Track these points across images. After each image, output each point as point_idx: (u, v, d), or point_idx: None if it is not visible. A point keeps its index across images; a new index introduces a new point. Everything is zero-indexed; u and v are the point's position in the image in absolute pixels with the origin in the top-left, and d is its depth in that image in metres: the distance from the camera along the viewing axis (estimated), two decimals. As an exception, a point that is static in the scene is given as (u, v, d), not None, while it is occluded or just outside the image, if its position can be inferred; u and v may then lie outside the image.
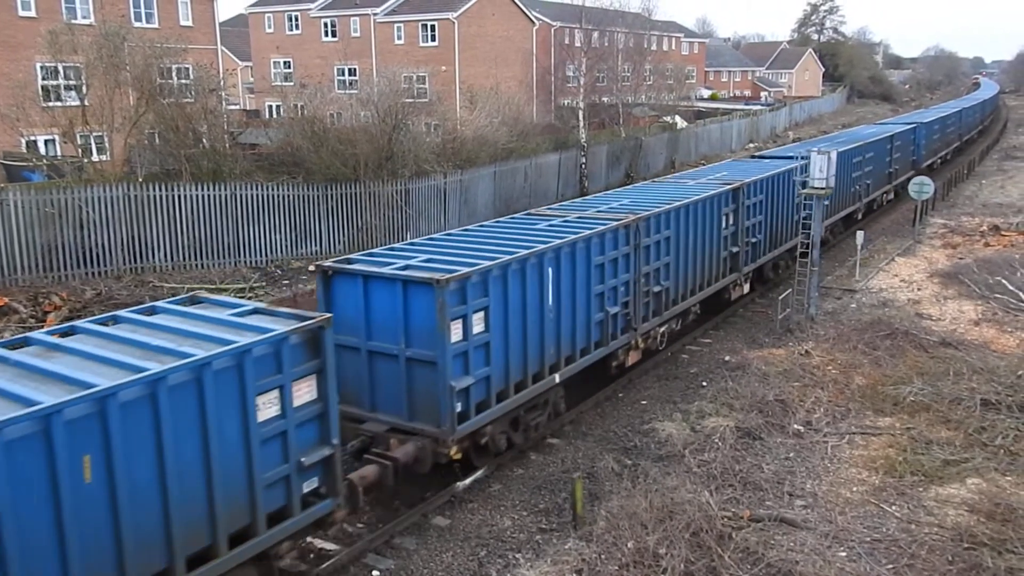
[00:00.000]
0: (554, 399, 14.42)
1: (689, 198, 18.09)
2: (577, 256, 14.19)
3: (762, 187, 21.38)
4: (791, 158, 25.11)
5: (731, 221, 19.89)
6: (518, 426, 13.55)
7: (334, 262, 12.64)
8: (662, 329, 17.42)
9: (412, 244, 14.42)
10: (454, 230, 16.06)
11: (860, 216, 30.56)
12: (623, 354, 16.17)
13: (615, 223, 15.32)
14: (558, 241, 13.88)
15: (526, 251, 13.12)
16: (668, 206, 17.10)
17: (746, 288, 21.50)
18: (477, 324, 12.07)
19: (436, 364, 11.54)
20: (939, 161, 45.46)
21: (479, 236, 14.85)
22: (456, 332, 11.69)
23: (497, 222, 16.81)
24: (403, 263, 12.40)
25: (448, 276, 11.47)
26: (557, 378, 14.03)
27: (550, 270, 13.55)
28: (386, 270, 12.05)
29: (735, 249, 20.21)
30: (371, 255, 13.34)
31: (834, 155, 19.96)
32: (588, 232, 14.56)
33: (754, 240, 21.24)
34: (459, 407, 11.84)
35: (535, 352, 13.46)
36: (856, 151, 28.74)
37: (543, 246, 13.49)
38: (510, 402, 12.93)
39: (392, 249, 13.92)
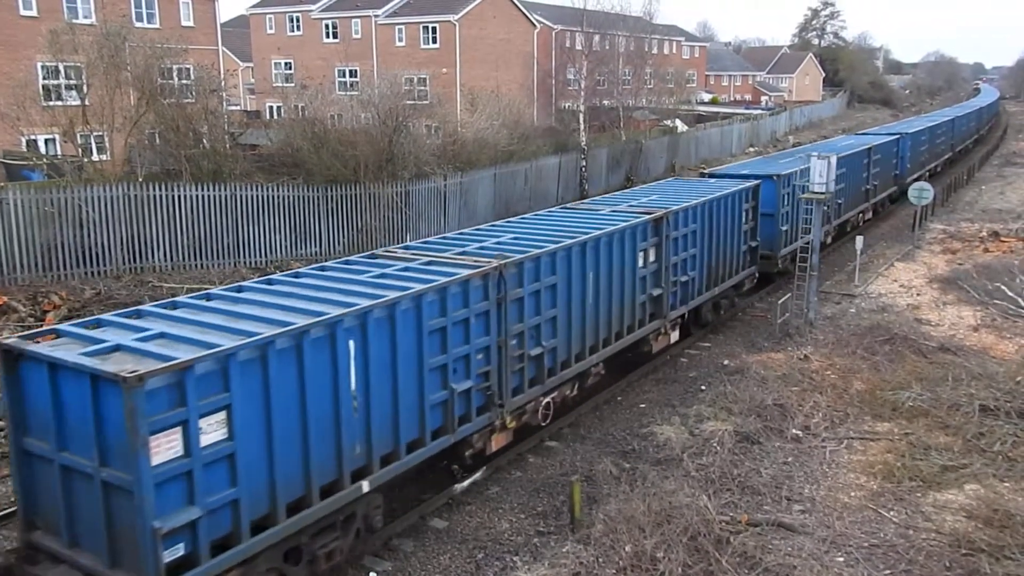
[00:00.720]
0: (364, 512, 10.82)
1: (589, 234, 14.74)
2: (398, 320, 10.69)
3: (696, 214, 18.12)
4: (744, 177, 22.46)
5: (651, 258, 16.66)
6: (300, 558, 10.01)
7: (19, 338, 9.14)
8: (546, 400, 14.06)
9: (175, 303, 10.79)
10: (251, 280, 12.36)
11: (830, 240, 27.99)
12: (481, 439, 12.72)
13: (469, 272, 12.03)
14: (367, 303, 10.34)
15: (308, 320, 9.64)
16: (554, 245, 13.83)
17: (674, 336, 18.19)
18: (213, 431, 8.65)
19: (132, 493, 8.13)
20: (927, 175, 41.47)
21: (274, 292, 11.28)
22: (167, 448, 8.25)
23: (323, 267, 12.93)
24: (115, 342, 8.90)
25: (142, 371, 7.92)
26: (366, 486, 10.50)
27: (352, 343, 10.08)
28: (72, 357, 8.48)
29: (657, 292, 16.85)
30: (99, 321, 9.94)
31: (833, 160, 19.95)
32: (421, 287, 11.14)
33: (684, 279, 17.93)
34: (178, 551, 8.38)
35: (324, 457, 9.92)
36: None
37: (339, 311, 9.99)
38: (279, 530, 9.44)
39: (138, 311, 10.39)
